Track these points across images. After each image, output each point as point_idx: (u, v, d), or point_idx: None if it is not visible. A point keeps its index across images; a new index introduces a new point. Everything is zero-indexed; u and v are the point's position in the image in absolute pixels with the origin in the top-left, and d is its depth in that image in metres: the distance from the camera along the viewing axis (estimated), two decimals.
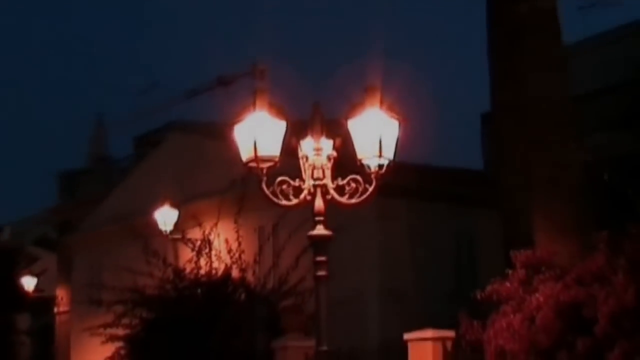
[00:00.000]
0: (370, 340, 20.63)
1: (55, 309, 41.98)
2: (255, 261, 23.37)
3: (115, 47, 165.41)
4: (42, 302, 43.91)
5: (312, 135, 11.73)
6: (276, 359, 19.80)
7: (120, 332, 23.11)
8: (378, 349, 18.49)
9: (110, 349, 23.34)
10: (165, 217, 25.85)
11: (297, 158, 11.78)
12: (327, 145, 11.71)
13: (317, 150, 11.64)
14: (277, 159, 11.41)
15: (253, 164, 11.39)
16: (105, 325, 23.14)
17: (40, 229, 53.04)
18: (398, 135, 11.61)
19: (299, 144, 11.74)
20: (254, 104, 11.57)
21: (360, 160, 11.57)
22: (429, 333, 16.44)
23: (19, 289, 44.41)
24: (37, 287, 44.30)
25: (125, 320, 23.10)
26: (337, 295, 12.38)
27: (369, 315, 23.69)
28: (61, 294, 41.30)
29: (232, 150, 12.10)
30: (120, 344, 23.13)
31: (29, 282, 44.15)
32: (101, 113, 49.69)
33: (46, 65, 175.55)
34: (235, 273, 23.00)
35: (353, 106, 11.62)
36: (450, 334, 16.13)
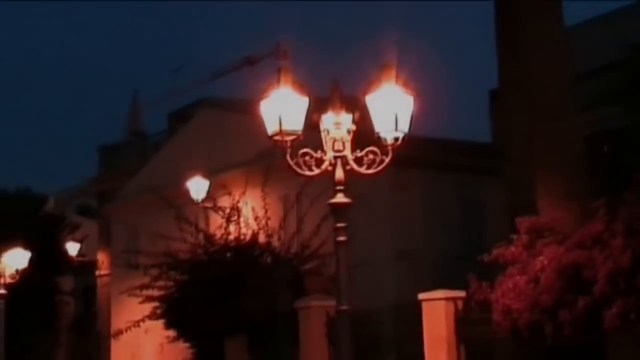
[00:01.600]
0: (386, 301, 20.62)
1: (97, 272, 42.18)
2: (280, 227, 23.43)
3: (150, 29, 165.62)
4: (84, 266, 44.16)
5: (332, 110, 11.73)
6: (299, 318, 19.85)
7: (156, 293, 23.24)
8: (393, 309, 18.48)
9: (147, 308, 23.46)
10: (197, 186, 25.87)
11: (318, 131, 11.78)
12: (346, 120, 11.71)
13: (337, 124, 11.64)
14: (300, 133, 11.41)
15: (278, 137, 11.40)
16: (142, 287, 23.26)
17: (82, 199, 53.28)
18: (412, 110, 11.59)
19: (321, 118, 11.74)
20: (278, 82, 11.57)
21: (377, 133, 11.57)
22: (441, 293, 16.45)
23: (63, 253, 44.68)
24: (80, 252, 44.55)
25: (160, 282, 23.22)
26: (355, 259, 12.38)
27: (384, 278, 23.71)
28: (101, 258, 41.49)
29: (258, 125, 12.10)
30: (156, 303, 23.26)
31: (72, 248, 44.40)
32: (137, 91, 49.73)
33: (90, 47, 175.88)
34: (261, 238, 23.08)
35: (370, 82, 11.61)
36: (461, 294, 16.14)
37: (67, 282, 47.41)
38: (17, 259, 30.99)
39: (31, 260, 31.52)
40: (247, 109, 20.82)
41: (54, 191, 58.46)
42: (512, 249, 14.63)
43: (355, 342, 12.20)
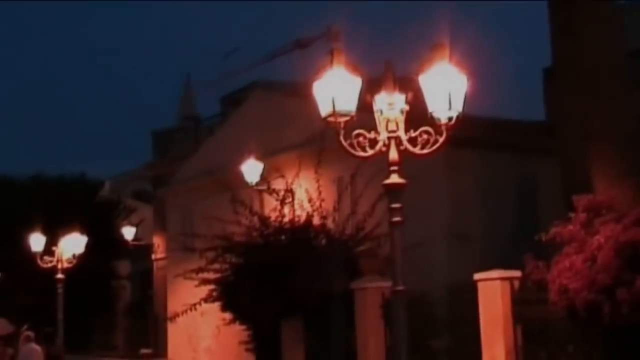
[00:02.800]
0: (440, 282, 20.56)
1: (153, 256, 42.49)
2: (334, 209, 23.42)
3: (202, 13, 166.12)
4: (140, 250, 44.52)
5: (385, 91, 11.71)
6: (355, 299, 19.87)
7: (212, 275, 23.35)
8: (447, 290, 18.44)
9: (203, 291, 23.59)
10: (251, 169, 25.93)
11: (372, 112, 11.76)
12: (399, 100, 11.68)
13: (390, 105, 11.62)
14: (353, 114, 11.40)
15: (331, 119, 11.39)
16: (198, 270, 23.38)
17: (137, 183, 53.68)
18: (466, 89, 11.53)
19: (374, 99, 11.72)
20: (331, 63, 11.56)
21: (431, 113, 11.52)
22: (497, 273, 16.38)
23: (119, 238, 45.09)
24: (136, 236, 44.92)
25: (215, 265, 23.32)
26: (409, 240, 12.35)
27: (438, 259, 23.63)
28: (157, 241, 41.78)
29: (311, 107, 12.11)
30: (212, 286, 23.37)
31: (128, 232, 44.79)
32: (189, 75, 49.90)
33: (143, 31, 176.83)
34: (316, 220, 23.09)
35: (423, 62, 11.56)
36: (517, 274, 16.06)
37: (123, 267, 47.88)
38: (74, 244, 31.35)
39: (88, 245, 31.86)
40: (299, 91, 20.81)
41: (109, 176, 59.02)
42: (569, 227, 14.52)
43: (410, 323, 12.20)
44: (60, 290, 31.03)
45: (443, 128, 11.52)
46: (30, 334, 32.05)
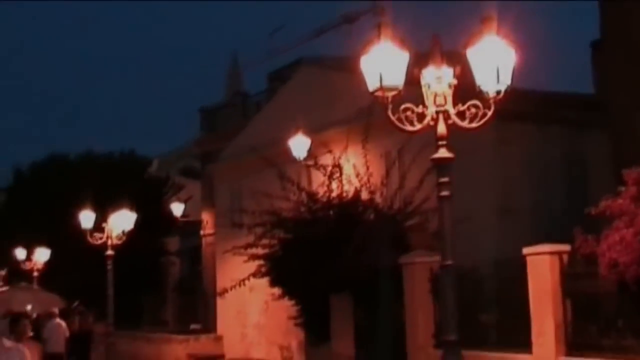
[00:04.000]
0: (489, 256, 20.51)
1: (201, 232, 42.73)
2: (382, 184, 23.41)
3: None
4: (189, 226, 44.80)
5: (433, 65, 11.70)
6: (403, 274, 19.90)
7: (260, 251, 23.45)
8: (496, 264, 18.39)
9: (252, 266, 23.72)
10: (298, 145, 25.97)
11: (419, 86, 11.75)
12: (447, 74, 11.68)
13: (438, 79, 11.62)
14: (401, 88, 11.41)
15: (379, 93, 11.40)
16: (247, 246, 23.49)
17: (185, 160, 53.97)
18: (514, 62, 11.49)
19: (421, 73, 11.72)
20: (378, 38, 11.57)
21: (479, 87, 11.50)
22: (546, 247, 16.30)
23: (168, 215, 45.43)
24: (184, 213, 45.23)
25: (264, 241, 23.42)
26: (457, 214, 12.35)
27: (487, 233, 23.56)
28: (206, 218, 42.01)
29: (358, 82, 12.13)
30: (260, 262, 23.48)
31: (176, 208, 45.10)
32: (236, 52, 50.11)
33: (190, 9, 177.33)
34: (364, 195, 23.10)
35: (471, 36, 11.53)
36: (566, 248, 15.98)
37: (172, 243, 48.25)
38: (124, 220, 31.68)
39: (137, 222, 32.17)
40: (347, 66, 20.80)
41: (157, 154, 59.42)
42: (620, 201, 14.43)
43: (459, 297, 12.22)
44: (110, 267, 31.38)
45: (491, 102, 11.51)
46: (55, 310, 32.94)
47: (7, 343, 11.26)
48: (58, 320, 31.14)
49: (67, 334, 30.81)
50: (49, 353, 29.99)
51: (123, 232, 31.68)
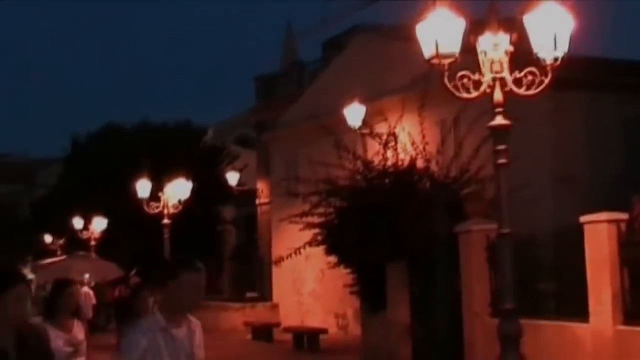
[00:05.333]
0: (546, 224, 20.42)
1: (257, 201, 42.95)
2: (438, 152, 23.36)
3: None
4: (244, 195, 45.03)
5: (489, 32, 11.65)
6: (460, 242, 19.89)
7: (316, 220, 23.52)
8: (553, 233, 18.32)
9: (307, 235, 23.81)
10: (354, 113, 25.98)
11: (476, 54, 11.71)
12: (504, 41, 11.62)
13: (494, 46, 11.57)
14: (457, 55, 11.37)
15: (435, 61, 11.38)
16: (303, 214, 23.57)
17: (241, 129, 54.15)
18: (572, 29, 11.41)
19: (478, 40, 11.67)
20: (434, 4, 11.53)
21: (536, 54, 11.44)
22: (603, 215, 16.21)
23: (224, 183, 45.68)
24: (240, 182, 45.46)
25: (320, 209, 23.49)
26: (514, 182, 12.32)
27: (543, 201, 23.48)
28: (261, 187, 42.21)
29: (414, 49, 12.12)
30: (316, 230, 23.56)
31: (232, 177, 45.34)
32: (290, 20, 50.05)
33: None
34: (419, 163, 23.07)
35: (528, 2, 11.46)
36: (624, 216, 15.89)
37: (228, 211, 48.51)
38: (180, 189, 31.90)
39: (193, 191, 32.38)
40: (402, 34, 20.76)
41: (213, 123, 59.66)
42: None
43: (516, 265, 12.21)
44: (166, 236, 31.66)
45: (548, 69, 11.44)
46: (85, 278, 34.37)
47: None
48: (86, 288, 33.74)
49: (94, 301, 34.05)
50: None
51: (179, 201, 31.90)
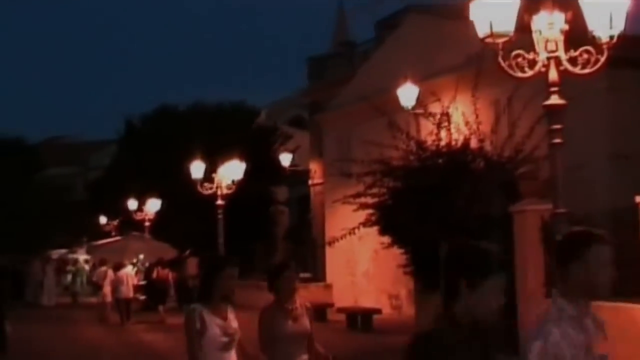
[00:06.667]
0: (601, 204, 20.29)
1: (310, 181, 43.07)
2: (492, 132, 23.27)
3: None
4: (297, 176, 45.18)
5: (544, 10, 11.59)
6: (514, 222, 19.83)
7: (370, 200, 23.54)
8: (608, 212, 18.21)
9: (361, 215, 23.85)
10: (407, 94, 25.95)
11: (530, 33, 11.66)
12: (559, 19, 11.55)
13: (549, 24, 11.50)
14: (511, 34, 11.34)
15: (489, 40, 11.35)
16: (356, 195, 23.60)
17: (293, 110, 54.32)
18: (628, 7, 11.32)
19: (532, 19, 11.62)
20: None
21: (591, 32, 11.37)
22: None
23: (277, 164, 45.86)
24: (293, 162, 45.60)
25: (373, 190, 23.51)
26: (569, 162, 12.27)
27: (599, 181, 23.31)
28: (314, 167, 42.31)
29: (467, 29, 12.09)
30: (370, 210, 23.58)
31: (285, 158, 45.49)
32: (342, 1, 49.99)
33: None
34: (473, 143, 22.99)
35: None
36: None
37: (281, 192, 48.73)
38: (233, 170, 32.13)
39: (246, 172, 32.59)
40: (455, 13, 20.68)
41: (265, 104, 59.89)
42: None
43: None
44: (220, 216, 31.90)
45: (604, 47, 11.37)
46: (125, 261, 35.61)
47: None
48: (126, 269, 35.05)
49: (135, 281, 35.19)
50: (119, 298, 32.80)
51: (233, 182, 32.12)
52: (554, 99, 11.62)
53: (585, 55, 11.47)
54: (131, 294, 34.46)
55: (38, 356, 23.67)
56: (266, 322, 8.76)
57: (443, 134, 23.39)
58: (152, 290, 36.20)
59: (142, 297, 36.89)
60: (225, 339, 8.08)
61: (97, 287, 40.32)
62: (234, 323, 8.24)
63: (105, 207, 58.36)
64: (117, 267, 35.64)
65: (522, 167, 21.90)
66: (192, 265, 43.29)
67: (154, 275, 37.25)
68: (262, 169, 43.37)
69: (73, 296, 49.24)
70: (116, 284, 34.20)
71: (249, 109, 56.24)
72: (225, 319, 8.17)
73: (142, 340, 27.96)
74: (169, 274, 37.53)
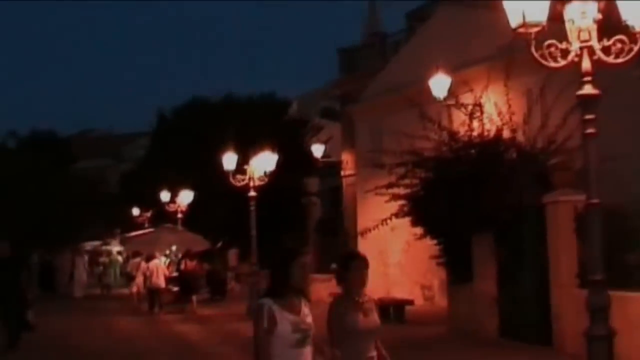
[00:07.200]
0: (635, 195, 20.17)
1: (342, 173, 43.07)
2: (524, 122, 23.20)
3: None
4: (329, 167, 45.19)
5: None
6: (547, 213, 19.75)
7: (402, 191, 23.55)
8: None
9: (393, 206, 23.85)
10: (439, 84, 25.90)
11: (563, 22, 11.58)
12: (592, 8, 11.45)
13: (582, 14, 11.41)
14: (544, 24, 11.25)
15: (521, 30, 11.28)
16: (388, 186, 23.62)
17: (325, 101, 54.27)
18: None
19: (565, 8, 11.54)
20: None
21: (624, 22, 11.28)
22: None
23: (309, 156, 45.88)
24: (324, 154, 45.59)
25: (405, 181, 23.51)
26: (602, 152, 12.17)
27: (633, 171, 23.16)
28: (346, 158, 42.30)
29: (499, 19, 12.03)
30: (402, 201, 23.59)
31: (317, 149, 45.51)
32: None
33: None
34: (506, 134, 22.95)
35: None
36: None
37: (313, 183, 48.74)
38: (265, 162, 32.17)
39: (278, 163, 32.61)
40: (487, 3, 20.62)
41: (297, 95, 59.89)
42: None
43: (604, 237, 12.09)
44: (252, 208, 31.96)
45: (638, 36, 11.27)
46: (157, 253, 36.22)
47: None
48: (157, 260, 35.80)
49: (167, 272, 35.61)
50: (150, 289, 33.37)
51: (265, 173, 32.16)
52: (587, 89, 11.52)
53: (619, 45, 11.38)
54: (162, 285, 34.74)
55: (69, 348, 23.83)
56: (337, 316, 8.30)
57: (475, 124, 23.37)
58: (183, 281, 36.47)
59: (175, 289, 37.06)
60: (297, 336, 7.43)
61: (130, 278, 40.61)
62: (308, 318, 7.57)
63: (138, 199, 58.66)
64: (149, 258, 36.04)
65: (554, 157, 21.81)
66: (232, 257, 43.44)
67: (182, 267, 37.55)
68: (293, 160, 43.37)
69: (103, 288, 49.56)
70: (147, 275, 34.60)
71: (280, 101, 56.30)
72: (298, 313, 7.51)
73: (175, 331, 28.09)
74: (197, 266, 37.74)
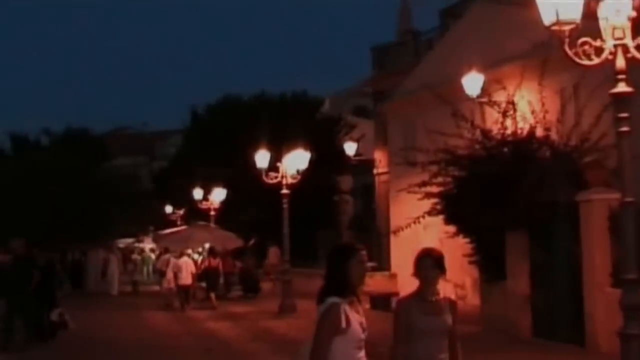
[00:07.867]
0: None
1: (374, 171, 43.05)
2: (558, 120, 23.13)
3: None
4: (362, 165, 45.19)
5: None
6: (580, 211, 19.68)
7: (435, 189, 23.54)
8: None
9: (426, 204, 23.84)
10: (472, 82, 25.83)
11: (597, 20, 11.55)
12: (626, 6, 11.42)
13: (617, 11, 11.37)
14: (578, 22, 11.23)
15: (555, 28, 11.26)
16: (421, 184, 23.61)
17: (357, 99, 54.33)
18: None
19: (599, 6, 11.50)
20: None
21: None
22: None
23: (341, 153, 45.91)
24: (357, 152, 45.61)
25: (438, 179, 23.50)
26: (637, 150, 12.14)
27: None
28: (379, 156, 42.27)
29: (533, 16, 12.01)
30: (435, 199, 23.57)
31: (349, 148, 45.53)
32: None
33: None
34: (539, 132, 22.88)
35: None
36: None
37: (346, 181, 48.76)
38: (298, 160, 32.21)
39: (311, 161, 32.66)
40: (521, 1, 20.55)
41: (329, 93, 59.96)
42: None
43: (638, 235, 12.05)
44: (285, 206, 32.02)
45: None
46: (186, 250, 36.58)
47: None
48: (186, 258, 36.19)
49: (194, 269, 35.59)
50: (179, 285, 33.65)
51: (297, 171, 32.21)
52: (621, 87, 11.49)
53: None
54: (188, 282, 34.92)
55: (101, 344, 23.98)
56: (402, 314, 8.07)
57: (508, 122, 23.31)
58: (206, 278, 36.77)
59: (204, 285, 37.26)
60: (363, 336, 7.07)
61: (162, 275, 40.84)
62: (364, 318, 7.18)
63: (171, 196, 58.93)
64: (180, 255, 36.28)
65: (588, 155, 21.72)
66: (273, 255, 43.50)
67: (206, 264, 37.80)
68: (326, 158, 43.45)
69: (134, 284, 49.78)
70: (176, 272, 34.80)
71: (312, 99, 56.39)
72: (358, 312, 7.12)
73: (206, 327, 28.18)
74: (219, 263, 37.96)
